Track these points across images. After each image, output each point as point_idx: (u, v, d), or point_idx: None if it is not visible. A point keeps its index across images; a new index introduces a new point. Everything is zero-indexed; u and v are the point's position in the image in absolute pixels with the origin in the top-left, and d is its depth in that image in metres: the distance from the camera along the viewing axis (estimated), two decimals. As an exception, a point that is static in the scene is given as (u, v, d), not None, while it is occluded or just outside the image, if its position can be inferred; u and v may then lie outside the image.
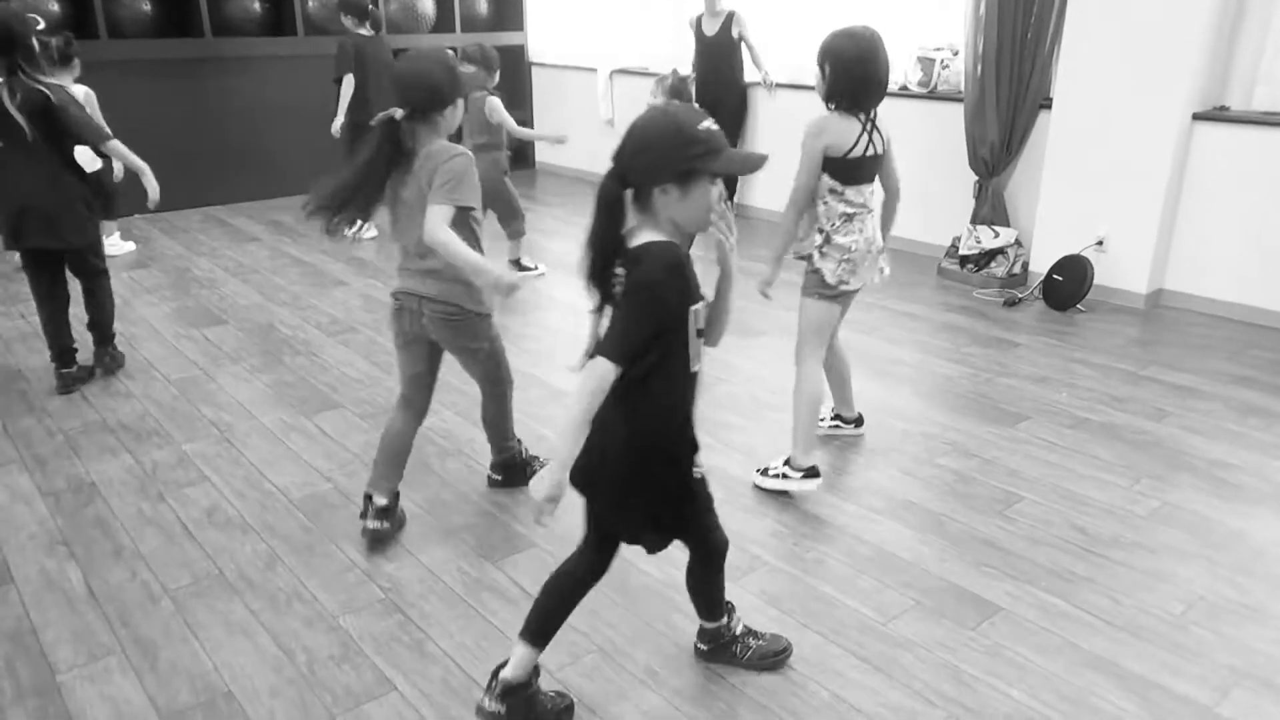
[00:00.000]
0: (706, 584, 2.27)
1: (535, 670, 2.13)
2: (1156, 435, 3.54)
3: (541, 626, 2.11)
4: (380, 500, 2.82)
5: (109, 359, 4.14)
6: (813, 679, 2.27)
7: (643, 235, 1.84)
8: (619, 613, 2.50)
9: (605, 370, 1.77)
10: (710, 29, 6.30)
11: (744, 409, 3.75)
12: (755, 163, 1.86)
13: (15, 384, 3.99)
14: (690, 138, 1.77)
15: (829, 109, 2.89)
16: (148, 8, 6.93)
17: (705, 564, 2.24)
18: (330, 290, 5.28)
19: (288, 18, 7.44)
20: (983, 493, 3.13)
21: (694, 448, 2.01)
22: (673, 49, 7.54)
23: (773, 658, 2.30)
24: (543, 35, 8.80)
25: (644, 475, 1.96)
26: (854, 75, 2.81)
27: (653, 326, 1.81)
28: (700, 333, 1.91)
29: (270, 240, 6.38)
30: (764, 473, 3.16)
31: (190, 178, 6.96)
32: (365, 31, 6.09)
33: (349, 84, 5.98)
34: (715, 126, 1.81)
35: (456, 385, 3.94)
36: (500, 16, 8.73)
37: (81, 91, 5.16)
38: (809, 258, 3.01)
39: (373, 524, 2.81)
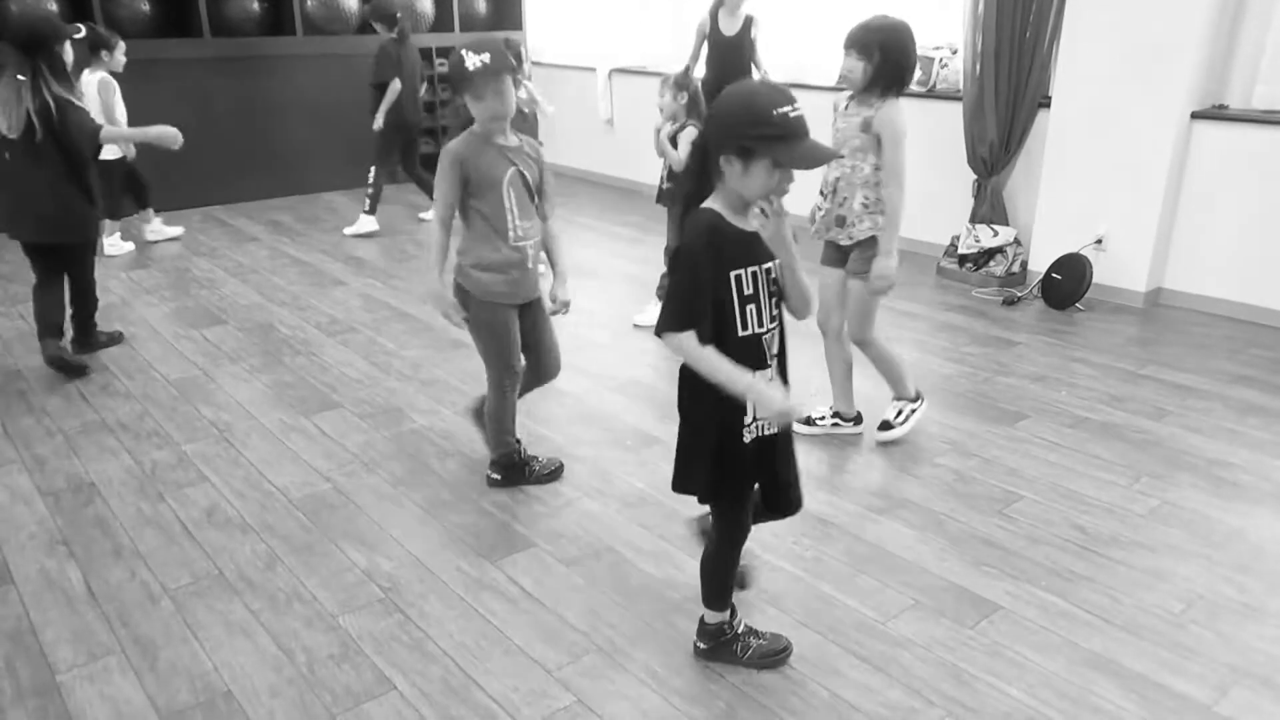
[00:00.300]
0: (722, 566, 2.25)
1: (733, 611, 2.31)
2: (1156, 434, 3.55)
3: (719, 595, 2.27)
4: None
5: (92, 341, 4.31)
6: (812, 678, 2.27)
7: (710, 200, 1.94)
8: (619, 612, 2.51)
9: (675, 340, 1.92)
10: (729, 29, 6.28)
11: (743, 408, 3.75)
12: (818, 158, 1.89)
13: (15, 384, 3.99)
14: (759, 118, 1.82)
15: (878, 96, 3.05)
16: (146, 7, 6.93)
17: (723, 542, 2.23)
18: (330, 290, 5.29)
19: (286, 18, 7.44)
20: (982, 492, 3.13)
21: (742, 410, 2.03)
22: (672, 48, 7.54)
23: (773, 657, 2.30)
24: (542, 34, 8.81)
25: (703, 437, 2.07)
26: (905, 64, 3.02)
27: (697, 290, 1.91)
28: (750, 299, 1.97)
29: (269, 240, 6.38)
30: (889, 426, 3.43)
31: (189, 178, 6.95)
32: (394, 36, 6.35)
33: (395, 88, 6.26)
34: (796, 114, 1.83)
35: (455, 384, 3.94)
36: (499, 16, 8.73)
37: (96, 79, 5.24)
38: (870, 240, 3.17)
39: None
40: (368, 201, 6.49)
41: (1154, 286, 5.03)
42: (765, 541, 2.83)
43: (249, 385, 3.99)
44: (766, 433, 2.07)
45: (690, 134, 4.35)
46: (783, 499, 2.22)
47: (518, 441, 3.17)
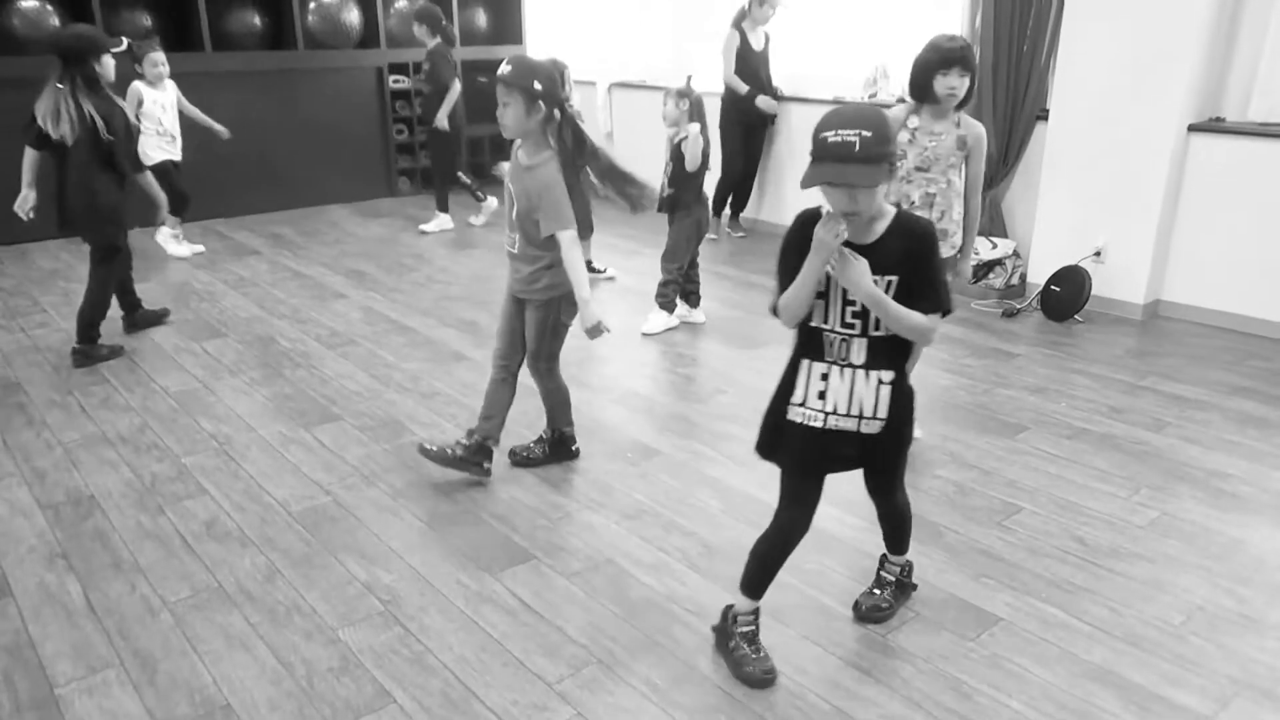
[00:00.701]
0: (763, 547, 2.33)
1: (755, 612, 2.35)
2: (1155, 445, 3.55)
3: (748, 578, 2.34)
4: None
5: (81, 355, 4.36)
6: (813, 690, 2.26)
7: None
8: (619, 625, 2.50)
9: (779, 306, 2.12)
10: (758, 44, 6.36)
11: (744, 420, 3.75)
12: (811, 180, 1.96)
13: (14, 397, 4.00)
14: (813, 137, 1.97)
15: (957, 112, 3.27)
16: (147, 22, 6.96)
17: (773, 520, 2.32)
18: (330, 303, 5.29)
19: (287, 32, 7.48)
20: (982, 504, 3.13)
21: (792, 388, 2.18)
22: (672, 63, 7.57)
23: (748, 670, 2.28)
24: (542, 49, 8.84)
25: (775, 405, 2.23)
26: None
27: (780, 269, 2.12)
28: (820, 294, 2.09)
29: (270, 253, 6.40)
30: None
31: (191, 191, 6.97)
32: (441, 41, 6.64)
33: (456, 89, 6.61)
34: (834, 139, 1.92)
35: (455, 397, 3.95)
36: (499, 30, 8.77)
37: (137, 89, 5.69)
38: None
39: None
40: (474, 195, 7.03)
41: (1152, 298, 5.04)
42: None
43: (249, 398, 3.99)
44: (813, 423, 2.16)
45: (698, 142, 4.45)
46: (874, 493, 2.43)
47: (475, 440, 3.22)
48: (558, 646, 2.42)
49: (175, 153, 5.91)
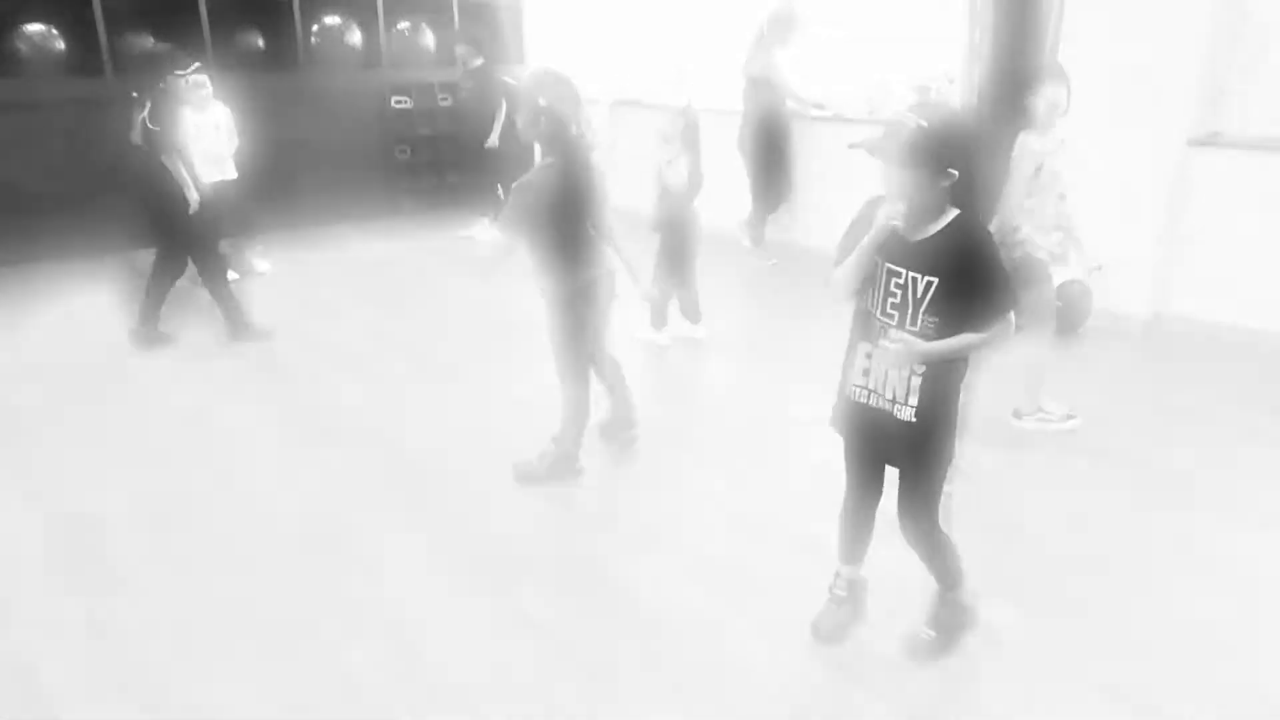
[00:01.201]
0: (842, 531, 2.49)
1: (850, 580, 2.54)
2: (1158, 458, 3.54)
3: (839, 550, 2.52)
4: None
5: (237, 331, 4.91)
6: (817, 706, 2.25)
7: None
8: (626, 642, 2.50)
9: (833, 277, 2.24)
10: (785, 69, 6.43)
11: (746, 435, 3.75)
12: (858, 141, 2.07)
13: (16, 416, 4.00)
14: None
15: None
16: (151, 43, 7.01)
17: (842, 508, 2.47)
18: (335, 321, 5.31)
19: (291, 53, 7.52)
20: (985, 518, 3.12)
21: (852, 369, 2.28)
22: (674, 80, 7.59)
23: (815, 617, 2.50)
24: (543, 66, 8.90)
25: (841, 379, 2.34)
26: None
27: (845, 244, 2.21)
28: (871, 279, 2.18)
29: (274, 271, 6.41)
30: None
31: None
32: (483, 62, 6.89)
33: (505, 108, 6.78)
34: (899, 118, 2.04)
35: (459, 414, 3.95)
36: (501, 48, 8.82)
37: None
38: None
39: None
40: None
41: (1155, 312, 5.04)
42: (768, 569, 2.82)
43: (252, 416, 3.99)
44: (859, 398, 2.26)
45: (680, 172, 4.53)
46: (901, 515, 2.35)
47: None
48: (563, 664, 2.41)
49: (225, 173, 5.98)
